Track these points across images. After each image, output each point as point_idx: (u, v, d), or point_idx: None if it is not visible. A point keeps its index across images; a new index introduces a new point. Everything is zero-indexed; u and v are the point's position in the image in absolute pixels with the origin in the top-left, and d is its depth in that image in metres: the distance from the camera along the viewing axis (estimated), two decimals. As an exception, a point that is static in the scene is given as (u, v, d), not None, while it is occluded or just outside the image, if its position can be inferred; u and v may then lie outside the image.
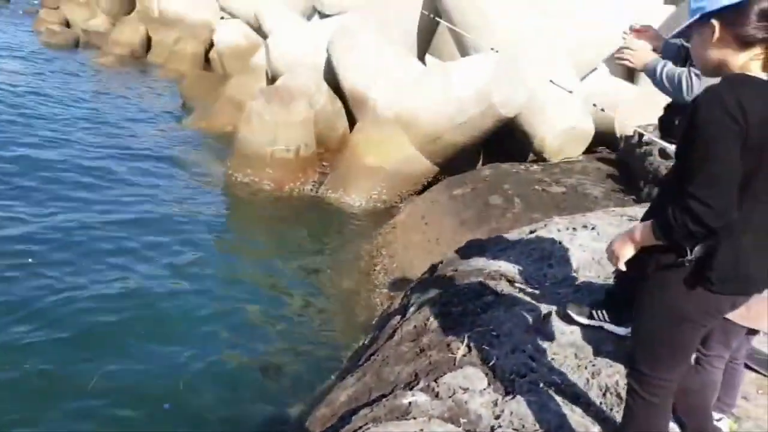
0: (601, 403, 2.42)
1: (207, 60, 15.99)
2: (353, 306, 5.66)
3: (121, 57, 16.97)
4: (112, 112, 11.07)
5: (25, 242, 5.76)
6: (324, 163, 9.01)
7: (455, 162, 8.15)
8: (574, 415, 2.38)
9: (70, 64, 15.17)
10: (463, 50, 8.58)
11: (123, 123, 10.46)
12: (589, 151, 8.00)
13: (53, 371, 4.16)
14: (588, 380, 2.54)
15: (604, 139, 8.25)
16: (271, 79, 10.12)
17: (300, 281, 6.08)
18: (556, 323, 2.95)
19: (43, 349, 4.37)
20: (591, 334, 2.85)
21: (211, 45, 15.21)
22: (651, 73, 2.52)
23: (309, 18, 12.01)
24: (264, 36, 11.42)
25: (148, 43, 17.89)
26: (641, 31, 2.64)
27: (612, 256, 1.77)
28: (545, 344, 2.85)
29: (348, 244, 7.11)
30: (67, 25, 19.34)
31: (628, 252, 1.72)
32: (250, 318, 5.24)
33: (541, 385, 2.56)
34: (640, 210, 4.29)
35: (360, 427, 2.56)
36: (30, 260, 5.41)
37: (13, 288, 4.97)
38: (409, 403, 2.63)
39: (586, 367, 2.62)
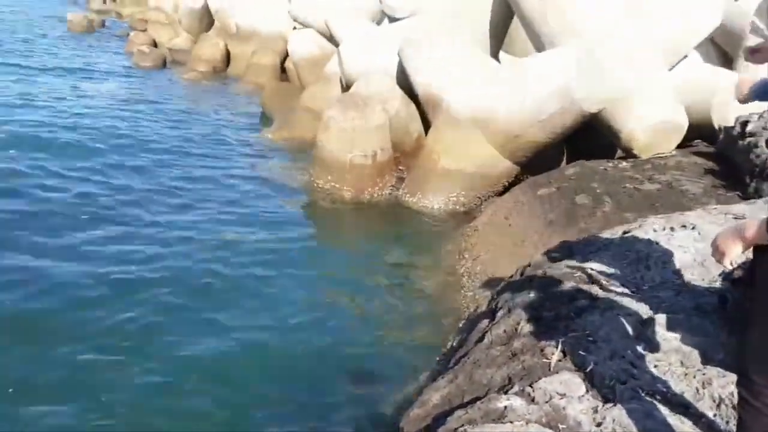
0: (715, 415, 2.29)
1: (284, 70, 16.46)
2: (438, 309, 5.67)
3: (204, 72, 17.86)
4: (197, 126, 11.68)
5: (124, 243, 6.18)
6: (401, 167, 9.07)
7: (537, 161, 7.96)
8: (684, 426, 2.27)
9: (159, 82, 16.13)
10: (539, 45, 8.37)
11: (207, 135, 11.01)
12: (683, 145, 7.54)
13: (145, 365, 4.40)
14: (698, 390, 2.41)
15: (699, 132, 7.76)
16: (345, 87, 10.27)
17: (383, 286, 6.15)
18: (658, 329, 2.82)
19: (136, 353, 4.60)
20: (697, 341, 2.70)
21: (287, 56, 15.64)
22: (761, 92, 2.32)
23: (379, 23, 12.13)
24: (336, 44, 11.61)
25: (227, 58, 18.72)
26: (759, 51, 2.30)
27: (716, 251, 1.66)
28: (647, 350, 2.73)
29: (429, 248, 7.12)
30: (155, 45, 20.57)
31: (735, 249, 1.60)
32: (335, 322, 5.36)
33: (644, 393, 2.46)
34: (747, 208, 4.02)
35: (455, 429, 2.56)
36: (133, 265, 5.79)
37: (116, 304, 5.23)
38: (505, 406, 2.60)
39: (694, 376, 2.49)
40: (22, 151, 8.49)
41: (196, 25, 20.89)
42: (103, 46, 21.51)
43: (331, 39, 12.47)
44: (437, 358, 4.60)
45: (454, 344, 4.38)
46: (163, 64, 18.83)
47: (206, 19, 20.93)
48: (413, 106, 9.32)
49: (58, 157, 8.52)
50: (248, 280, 5.78)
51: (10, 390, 3.92)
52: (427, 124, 9.13)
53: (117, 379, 4.21)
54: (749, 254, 1.67)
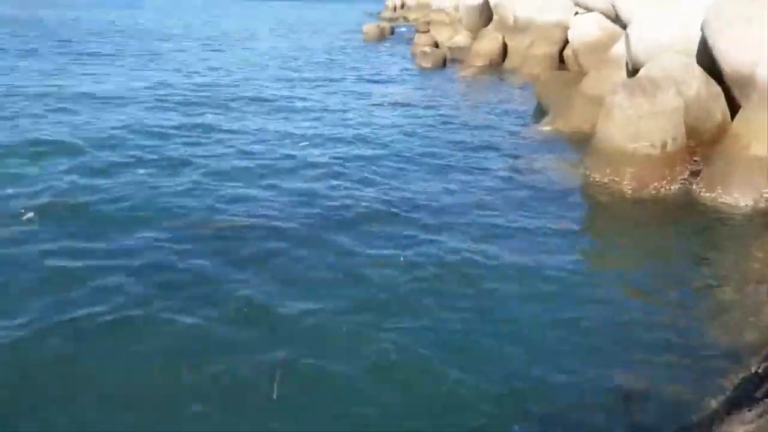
0: None
1: (561, 60, 15.98)
2: (735, 325, 4.79)
3: (481, 68, 18.36)
4: (471, 121, 12.01)
5: (393, 226, 6.46)
6: (695, 158, 7.94)
7: None
8: None
9: (438, 81, 17.13)
10: None
11: (479, 130, 11.22)
12: None
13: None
14: None
15: None
16: (632, 71, 9.42)
17: (667, 293, 5.42)
18: None
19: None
20: None
21: (565, 44, 15.12)
22: None
23: (676, -3, 10.78)
24: (623, 25, 10.76)
25: (504, 51, 18.90)
26: None
27: None
28: None
29: (728, 252, 6.07)
30: (436, 45, 21.92)
31: None
32: (606, 326, 4.88)
33: None
34: None
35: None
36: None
37: (370, 286, 5.34)
38: (839, 460, 2.04)
39: None
40: (322, 149, 9.77)
41: (475, 22, 21.58)
42: (391, 51, 23.82)
43: (617, 21, 11.60)
44: (735, 382, 3.89)
45: (759, 370, 3.66)
46: (443, 64, 19.89)
47: (485, 15, 21.43)
48: (716, 87, 8.07)
49: (349, 152, 9.61)
50: (510, 271, 5.65)
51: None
52: (733, 107, 7.81)
53: (347, 361, 4.31)
54: None
